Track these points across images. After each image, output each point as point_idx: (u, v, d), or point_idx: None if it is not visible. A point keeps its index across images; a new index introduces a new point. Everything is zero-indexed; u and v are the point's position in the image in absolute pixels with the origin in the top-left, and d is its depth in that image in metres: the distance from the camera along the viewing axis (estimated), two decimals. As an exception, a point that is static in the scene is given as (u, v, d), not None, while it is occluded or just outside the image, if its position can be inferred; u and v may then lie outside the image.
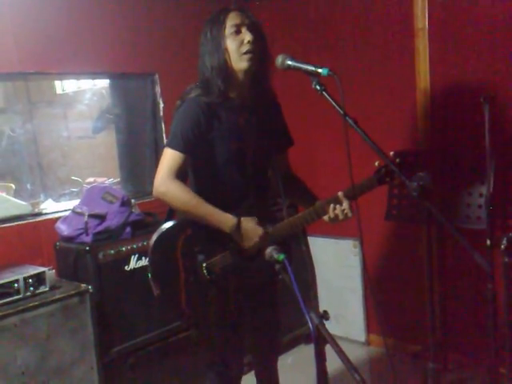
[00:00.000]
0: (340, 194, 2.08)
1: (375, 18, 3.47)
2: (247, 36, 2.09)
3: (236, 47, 2.09)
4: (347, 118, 1.84)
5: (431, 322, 3.14)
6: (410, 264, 3.51)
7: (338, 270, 3.93)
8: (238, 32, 2.10)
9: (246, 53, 2.09)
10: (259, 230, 2.10)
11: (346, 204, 2.06)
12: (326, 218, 2.11)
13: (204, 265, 2.13)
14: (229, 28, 2.10)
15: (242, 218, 2.10)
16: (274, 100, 2.34)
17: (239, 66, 2.11)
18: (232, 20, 2.11)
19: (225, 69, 2.10)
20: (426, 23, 3.20)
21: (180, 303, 2.15)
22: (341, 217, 2.07)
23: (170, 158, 2.11)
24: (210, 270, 2.13)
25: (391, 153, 2.00)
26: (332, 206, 2.07)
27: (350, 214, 2.07)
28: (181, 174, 2.12)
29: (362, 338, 3.86)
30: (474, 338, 3.24)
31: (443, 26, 3.15)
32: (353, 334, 3.88)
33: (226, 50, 2.09)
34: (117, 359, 2.90)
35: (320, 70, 1.87)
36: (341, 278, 3.92)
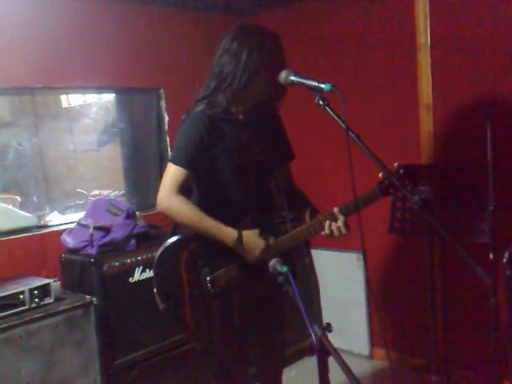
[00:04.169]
0: (336, 209, 2.09)
1: (378, 34, 3.50)
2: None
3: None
4: (350, 132, 1.86)
5: (434, 335, 3.14)
6: (414, 277, 3.51)
7: (341, 282, 3.93)
8: None
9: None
10: (261, 243, 2.12)
11: (340, 221, 2.07)
12: (322, 233, 2.12)
13: (208, 278, 2.14)
14: (270, 58, 2.07)
15: (244, 232, 2.11)
16: (275, 114, 2.36)
17: (258, 96, 2.15)
18: (275, 51, 2.10)
19: (243, 91, 2.10)
20: (429, 39, 3.23)
21: (185, 317, 2.16)
22: (336, 233, 2.09)
23: (172, 173, 2.13)
24: (214, 284, 2.14)
25: (395, 164, 2.02)
26: (328, 222, 2.09)
27: (344, 231, 2.08)
28: (184, 189, 2.14)
29: (366, 351, 3.85)
30: (477, 351, 3.24)
31: (445, 41, 3.18)
32: (356, 348, 3.88)
33: (257, 77, 2.07)
34: (121, 371, 2.90)
35: (323, 86, 1.89)
36: (344, 291, 3.92)
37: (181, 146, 2.15)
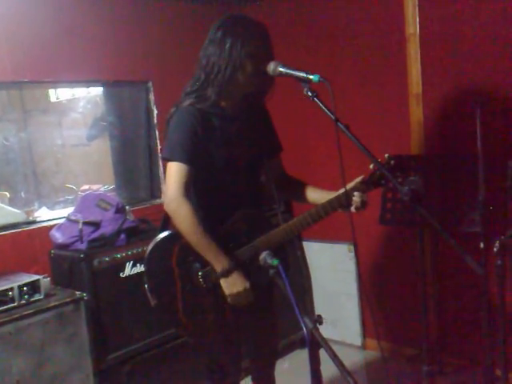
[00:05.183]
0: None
1: (367, 24, 3.48)
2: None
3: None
4: (339, 123, 1.85)
5: (426, 325, 3.15)
6: (406, 267, 3.52)
7: (333, 274, 3.94)
8: None
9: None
10: (246, 283, 2.07)
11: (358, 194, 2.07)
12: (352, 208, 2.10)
13: (200, 273, 2.12)
14: (255, 48, 2.04)
15: (236, 269, 2.06)
16: (263, 107, 2.34)
17: (245, 88, 2.11)
18: (260, 41, 2.07)
19: (229, 83, 2.06)
20: (417, 28, 3.22)
21: (177, 312, 2.14)
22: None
23: (176, 171, 2.05)
24: (206, 279, 2.13)
25: (386, 155, 2.01)
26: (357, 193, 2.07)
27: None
28: (189, 187, 2.08)
29: (358, 342, 3.86)
30: (469, 341, 3.25)
31: (434, 30, 3.17)
32: (349, 338, 3.89)
33: (242, 68, 2.05)
34: (113, 366, 2.89)
35: (311, 77, 1.88)
36: (336, 283, 3.93)
37: (177, 141, 2.09)
